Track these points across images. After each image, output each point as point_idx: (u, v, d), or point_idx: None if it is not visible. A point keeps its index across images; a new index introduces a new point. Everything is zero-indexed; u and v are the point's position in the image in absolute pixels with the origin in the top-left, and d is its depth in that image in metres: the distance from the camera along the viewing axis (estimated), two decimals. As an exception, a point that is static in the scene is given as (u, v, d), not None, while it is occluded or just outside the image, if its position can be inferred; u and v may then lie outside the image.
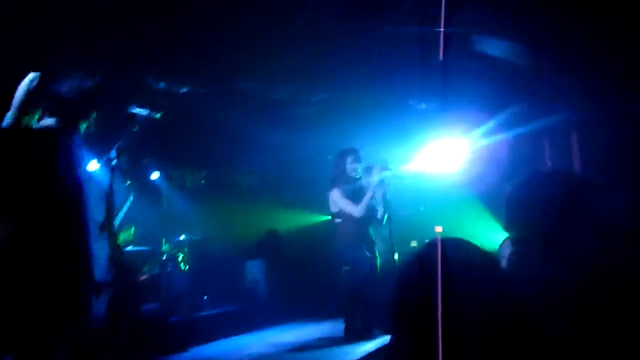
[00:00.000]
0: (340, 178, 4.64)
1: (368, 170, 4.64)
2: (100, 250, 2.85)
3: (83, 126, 2.66)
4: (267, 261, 7.29)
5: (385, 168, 4.59)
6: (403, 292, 0.91)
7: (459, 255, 0.90)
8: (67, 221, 2.36)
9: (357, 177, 4.65)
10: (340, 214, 4.67)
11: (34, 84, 2.49)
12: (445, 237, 0.95)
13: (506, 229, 1.45)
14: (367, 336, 4.72)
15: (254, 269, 7.25)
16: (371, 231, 4.77)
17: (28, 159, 2.31)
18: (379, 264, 4.77)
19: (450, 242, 0.93)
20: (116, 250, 3.34)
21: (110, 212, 3.19)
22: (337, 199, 4.60)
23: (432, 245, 0.90)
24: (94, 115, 2.72)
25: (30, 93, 2.47)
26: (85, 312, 2.44)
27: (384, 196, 4.64)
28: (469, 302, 0.84)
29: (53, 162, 2.38)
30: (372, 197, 4.55)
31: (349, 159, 4.74)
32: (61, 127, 2.56)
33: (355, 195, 4.55)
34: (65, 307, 2.27)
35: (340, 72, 5.85)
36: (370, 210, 4.59)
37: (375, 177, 4.48)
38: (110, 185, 3.22)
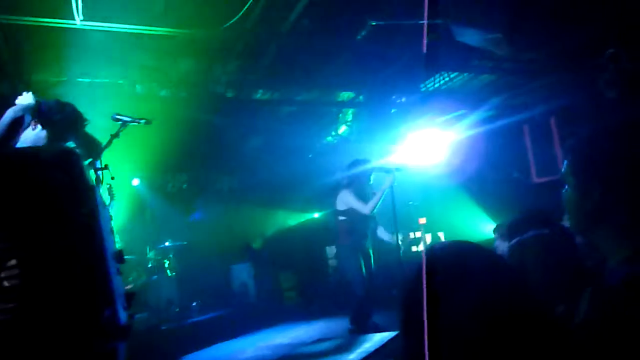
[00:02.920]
0: (353, 182, 5.06)
1: (384, 172, 5.00)
2: (119, 287, 2.23)
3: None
4: (254, 263, 7.21)
5: (397, 170, 4.98)
6: (410, 296, 0.92)
7: (464, 258, 0.92)
8: (85, 258, 1.92)
9: (370, 183, 5.11)
10: (346, 212, 5.02)
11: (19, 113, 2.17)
12: (449, 241, 0.99)
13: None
14: (370, 331, 4.88)
15: (242, 273, 7.16)
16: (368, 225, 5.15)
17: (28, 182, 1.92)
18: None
19: (455, 245, 0.96)
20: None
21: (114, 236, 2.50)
22: (349, 199, 5.00)
23: (437, 248, 0.93)
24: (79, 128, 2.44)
25: (16, 121, 2.15)
26: None
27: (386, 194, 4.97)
28: (476, 304, 0.86)
29: (69, 184, 1.95)
30: (380, 198, 4.92)
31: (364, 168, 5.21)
32: (55, 141, 2.22)
33: (361, 197, 5.00)
34: None
35: (321, 72, 5.81)
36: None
37: (388, 182, 4.85)
38: (103, 202, 2.52)
